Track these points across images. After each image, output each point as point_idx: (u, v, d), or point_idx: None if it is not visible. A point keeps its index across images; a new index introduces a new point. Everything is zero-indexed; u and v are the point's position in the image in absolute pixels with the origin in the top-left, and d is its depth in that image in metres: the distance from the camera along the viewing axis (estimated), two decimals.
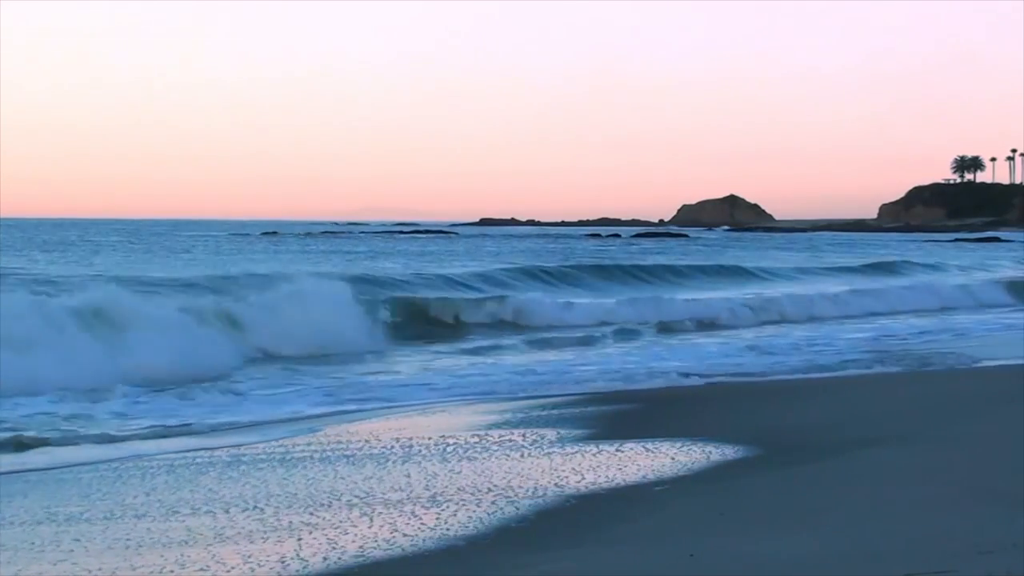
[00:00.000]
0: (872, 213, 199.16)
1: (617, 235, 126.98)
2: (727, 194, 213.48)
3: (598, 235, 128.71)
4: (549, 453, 10.06)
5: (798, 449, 9.78)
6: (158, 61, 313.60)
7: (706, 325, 27.48)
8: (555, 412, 12.88)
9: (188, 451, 10.83)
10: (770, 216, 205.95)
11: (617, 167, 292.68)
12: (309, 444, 11.06)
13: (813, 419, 11.92)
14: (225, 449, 10.88)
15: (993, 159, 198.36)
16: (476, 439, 10.95)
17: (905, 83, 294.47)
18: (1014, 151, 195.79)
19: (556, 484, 8.63)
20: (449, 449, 10.37)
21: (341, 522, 7.53)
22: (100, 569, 6.58)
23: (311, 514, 7.80)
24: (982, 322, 28.24)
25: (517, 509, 7.82)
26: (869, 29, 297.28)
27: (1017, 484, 7.47)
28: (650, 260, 56.96)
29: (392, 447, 10.60)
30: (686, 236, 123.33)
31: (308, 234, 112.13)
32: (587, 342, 23.09)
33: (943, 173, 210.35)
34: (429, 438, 11.07)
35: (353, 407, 14.02)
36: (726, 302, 31.34)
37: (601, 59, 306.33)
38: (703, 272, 47.00)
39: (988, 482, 7.67)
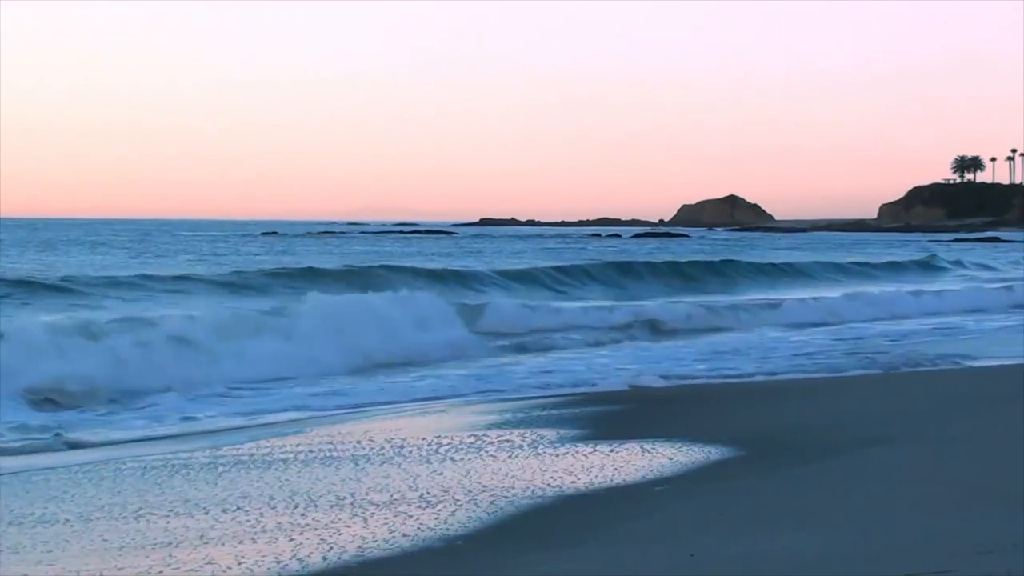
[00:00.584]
0: (872, 213, 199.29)
1: (617, 235, 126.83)
2: (727, 194, 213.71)
3: (598, 235, 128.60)
4: (562, 452, 10.06)
5: (799, 449, 9.77)
6: (158, 61, 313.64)
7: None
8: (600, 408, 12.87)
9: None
10: (770, 216, 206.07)
11: (617, 167, 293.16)
12: (297, 444, 11.06)
13: (813, 419, 11.91)
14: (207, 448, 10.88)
15: (993, 159, 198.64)
16: (479, 439, 10.94)
17: (905, 83, 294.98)
18: (1014, 151, 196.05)
19: (556, 484, 8.63)
20: (448, 449, 10.36)
21: (334, 521, 7.52)
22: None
23: (303, 515, 7.79)
24: None
25: (517, 509, 7.81)
26: (869, 29, 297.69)
27: (1017, 484, 7.46)
28: (707, 258, 55.80)
29: (383, 448, 10.58)
30: (687, 236, 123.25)
31: (308, 234, 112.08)
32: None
33: (943, 173, 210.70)
34: (423, 438, 11.05)
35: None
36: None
37: (601, 59, 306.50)
38: (762, 272, 46.82)
39: (988, 482, 7.67)
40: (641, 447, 10.13)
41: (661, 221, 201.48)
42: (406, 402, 14.66)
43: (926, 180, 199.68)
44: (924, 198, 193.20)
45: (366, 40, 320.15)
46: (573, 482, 8.70)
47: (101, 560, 6.76)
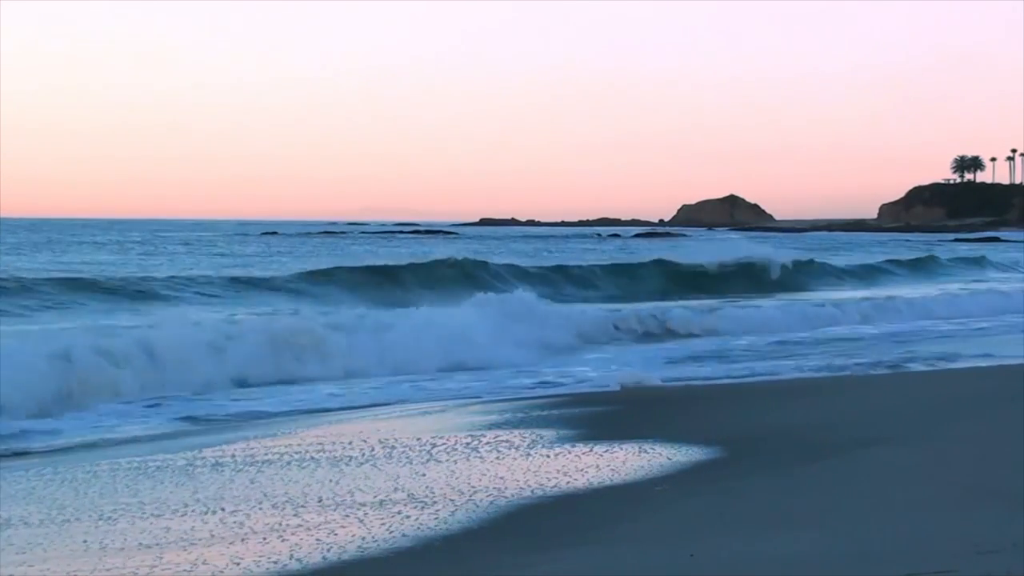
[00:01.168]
0: (872, 213, 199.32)
1: (617, 235, 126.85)
2: (727, 194, 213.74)
3: (598, 235, 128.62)
4: (562, 452, 10.05)
5: (798, 449, 9.77)
6: (158, 62, 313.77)
7: None
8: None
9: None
10: (770, 216, 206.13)
11: (617, 167, 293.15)
12: (285, 444, 11.07)
13: (813, 419, 11.90)
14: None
15: (993, 159, 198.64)
16: (475, 439, 10.94)
17: (905, 83, 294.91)
18: (1014, 151, 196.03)
19: (557, 484, 8.62)
20: (448, 449, 10.36)
21: (339, 519, 7.52)
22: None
23: (295, 515, 7.79)
24: None
25: (516, 509, 7.81)
26: (869, 29, 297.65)
27: (1017, 484, 7.46)
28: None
29: (376, 448, 10.57)
30: (687, 236, 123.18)
31: (307, 234, 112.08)
32: None
33: (943, 173, 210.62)
34: (419, 438, 11.02)
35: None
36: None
37: (601, 59, 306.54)
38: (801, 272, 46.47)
39: (988, 482, 7.67)
40: (641, 447, 10.12)
41: (661, 221, 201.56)
42: (395, 403, 14.69)
43: (926, 180, 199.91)
44: (924, 198, 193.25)
45: (366, 40, 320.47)
46: (572, 482, 8.70)
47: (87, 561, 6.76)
